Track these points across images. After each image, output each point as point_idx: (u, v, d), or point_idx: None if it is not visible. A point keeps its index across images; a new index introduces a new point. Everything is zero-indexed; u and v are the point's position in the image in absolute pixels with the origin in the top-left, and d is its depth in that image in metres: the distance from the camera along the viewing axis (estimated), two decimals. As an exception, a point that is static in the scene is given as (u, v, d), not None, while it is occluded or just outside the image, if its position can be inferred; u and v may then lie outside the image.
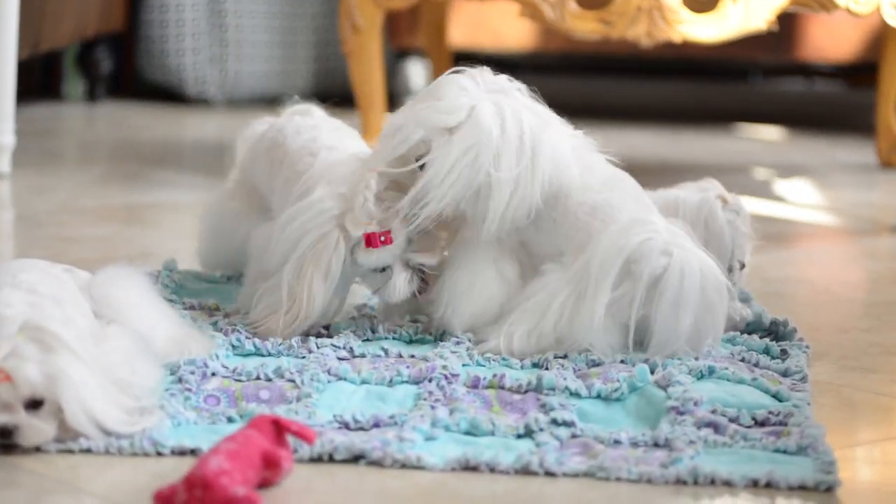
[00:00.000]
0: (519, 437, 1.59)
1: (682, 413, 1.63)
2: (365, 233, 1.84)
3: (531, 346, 1.80)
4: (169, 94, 4.29)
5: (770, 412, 1.65)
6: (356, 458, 1.51)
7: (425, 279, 1.90)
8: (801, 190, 3.26)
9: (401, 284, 1.88)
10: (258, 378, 1.71)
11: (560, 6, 2.86)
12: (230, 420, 1.60)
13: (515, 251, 1.89)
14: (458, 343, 1.84)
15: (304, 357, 1.79)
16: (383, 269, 1.88)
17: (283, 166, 1.99)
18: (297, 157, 1.98)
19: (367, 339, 1.87)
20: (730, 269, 1.99)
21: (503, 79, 1.87)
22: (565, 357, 1.79)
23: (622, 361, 1.79)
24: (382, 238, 1.85)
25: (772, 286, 2.21)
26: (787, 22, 3.92)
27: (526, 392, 1.69)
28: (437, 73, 3.95)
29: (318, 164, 1.95)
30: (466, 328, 1.87)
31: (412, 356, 1.80)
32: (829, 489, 1.47)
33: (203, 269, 2.17)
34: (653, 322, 1.79)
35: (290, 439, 1.49)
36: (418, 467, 1.50)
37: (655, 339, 1.79)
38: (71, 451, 1.51)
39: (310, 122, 2.04)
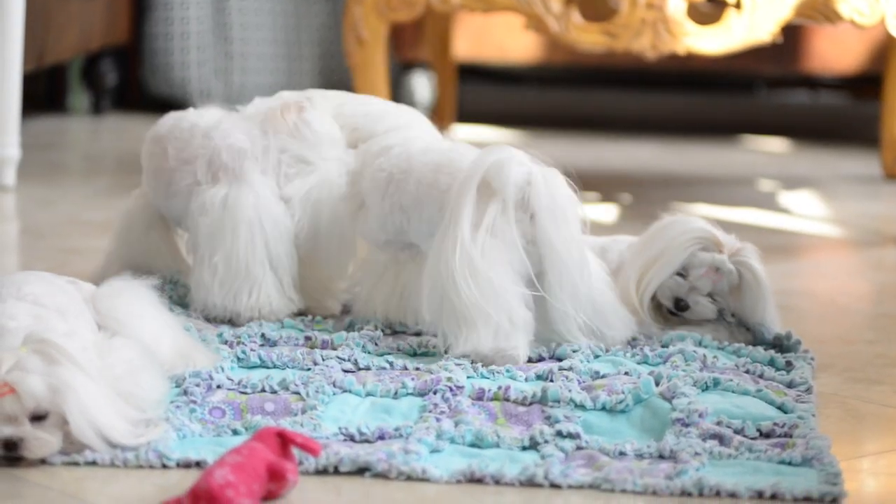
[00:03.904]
0: (524, 449, 1.58)
1: (687, 425, 1.62)
2: None
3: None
4: (174, 107, 4.28)
5: (775, 424, 1.65)
6: (361, 471, 1.51)
7: None
8: (805, 202, 3.26)
9: None
10: (263, 390, 1.71)
11: (564, 18, 2.86)
12: (235, 432, 1.60)
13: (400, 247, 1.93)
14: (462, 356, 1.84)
15: (309, 369, 1.79)
16: None
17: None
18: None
19: (372, 352, 1.87)
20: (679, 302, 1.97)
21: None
22: (570, 369, 1.79)
23: (626, 373, 1.78)
24: None
25: (777, 298, 2.21)
26: (792, 34, 3.92)
27: (531, 404, 1.69)
28: (441, 85, 3.95)
29: None
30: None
31: (417, 368, 1.80)
32: (835, 500, 1.47)
33: (114, 271, 2.11)
34: (540, 243, 1.82)
35: (295, 451, 1.49)
36: (423, 479, 1.50)
37: (547, 259, 1.81)
38: (76, 464, 1.51)
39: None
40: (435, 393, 1.70)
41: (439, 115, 3.95)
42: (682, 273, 1.97)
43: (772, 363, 1.89)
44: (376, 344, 1.89)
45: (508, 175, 1.81)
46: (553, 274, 1.83)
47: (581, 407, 1.68)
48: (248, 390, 1.70)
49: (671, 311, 1.99)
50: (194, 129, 2.06)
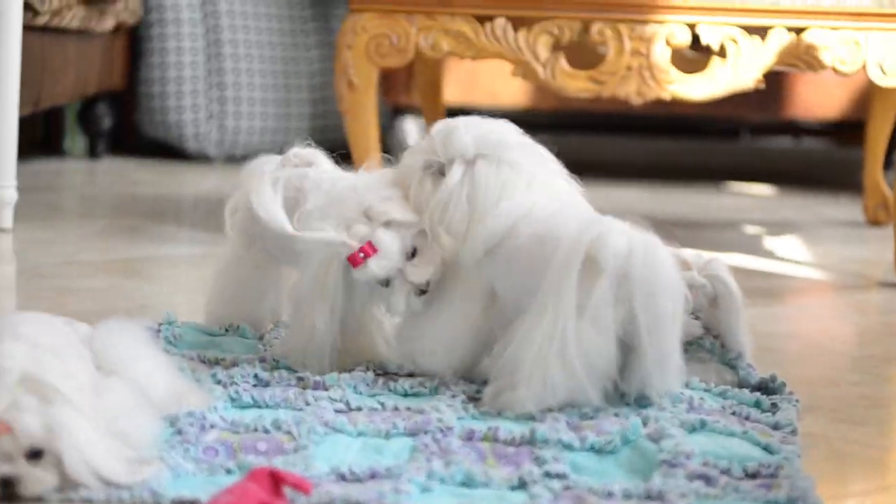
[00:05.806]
0: (513, 489, 1.60)
1: (674, 466, 1.64)
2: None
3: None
4: (169, 151, 4.33)
5: (761, 464, 1.66)
6: (353, 510, 1.52)
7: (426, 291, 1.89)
8: (790, 246, 3.29)
9: (397, 300, 1.88)
10: (256, 430, 1.72)
11: (552, 65, 2.90)
12: (228, 472, 1.61)
13: (482, 292, 1.89)
14: (453, 396, 1.85)
15: (301, 409, 1.80)
16: (388, 284, 1.88)
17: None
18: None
19: (364, 393, 1.89)
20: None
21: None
22: (559, 409, 1.80)
23: (615, 415, 1.80)
24: (362, 254, 1.85)
25: (763, 341, 2.23)
26: (775, 81, 3.98)
27: (520, 445, 1.71)
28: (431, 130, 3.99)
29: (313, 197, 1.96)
30: (429, 367, 1.91)
31: (408, 409, 1.82)
32: (819, 540, 1.49)
33: (214, 323, 2.18)
34: (637, 320, 1.75)
35: (287, 491, 1.50)
36: (414, 519, 1.51)
37: (642, 338, 1.76)
38: (71, 501, 1.52)
39: (325, 174, 2.04)
40: (425, 433, 1.72)
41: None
42: None
43: (757, 405, 1.91)
44: (368, 385, 1.91)
45: (608, 250, 1.72)
46: (639, 360, 1.78)
47: (569, 447, 1.69)
48: (241, 430, 1.72)
49: None
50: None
